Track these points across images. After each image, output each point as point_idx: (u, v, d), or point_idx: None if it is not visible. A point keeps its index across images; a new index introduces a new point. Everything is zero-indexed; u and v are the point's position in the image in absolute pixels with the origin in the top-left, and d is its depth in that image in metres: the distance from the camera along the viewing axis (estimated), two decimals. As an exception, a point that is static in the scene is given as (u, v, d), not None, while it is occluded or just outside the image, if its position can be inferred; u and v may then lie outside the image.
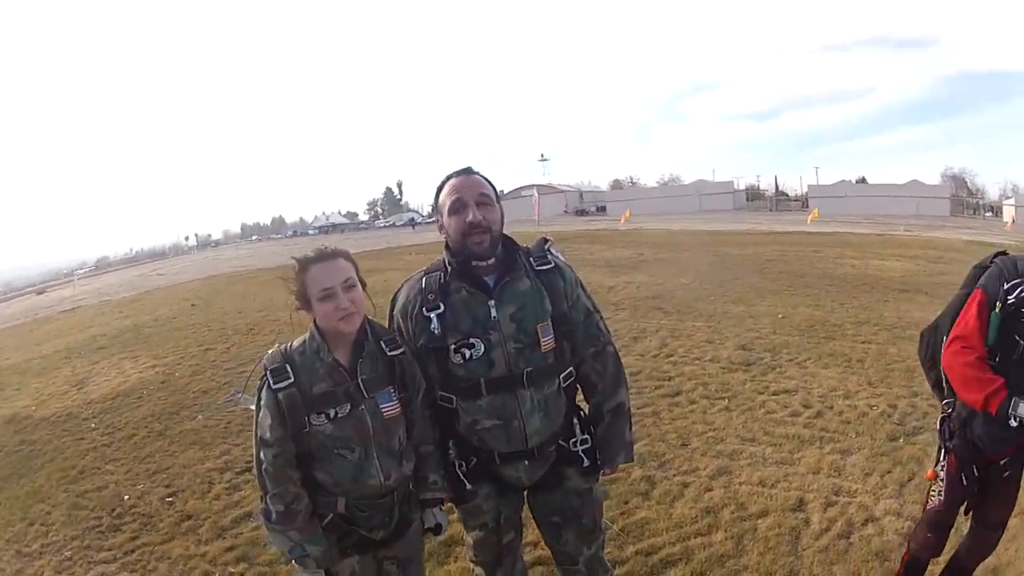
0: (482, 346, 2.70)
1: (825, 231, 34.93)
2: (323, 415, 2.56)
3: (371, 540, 2.72)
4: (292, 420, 2.52)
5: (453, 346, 2.72)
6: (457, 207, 2.74)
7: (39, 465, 7.26)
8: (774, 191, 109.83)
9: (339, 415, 2.57)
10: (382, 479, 2.63)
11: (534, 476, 2.87)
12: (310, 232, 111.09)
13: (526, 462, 2.81)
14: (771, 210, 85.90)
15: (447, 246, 2.86)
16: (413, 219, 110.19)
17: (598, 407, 2.97)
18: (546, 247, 2.94)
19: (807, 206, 77.38)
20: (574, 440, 2.91)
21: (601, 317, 3.01)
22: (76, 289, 44.92)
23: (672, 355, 8.87)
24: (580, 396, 3.03)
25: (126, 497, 6.00)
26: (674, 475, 5.28)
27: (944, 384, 3.19)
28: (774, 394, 7.07)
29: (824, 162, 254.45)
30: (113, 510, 5.78)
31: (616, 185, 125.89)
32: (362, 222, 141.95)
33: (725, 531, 4.48)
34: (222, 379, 9.74)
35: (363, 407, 2.60)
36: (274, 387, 2.53)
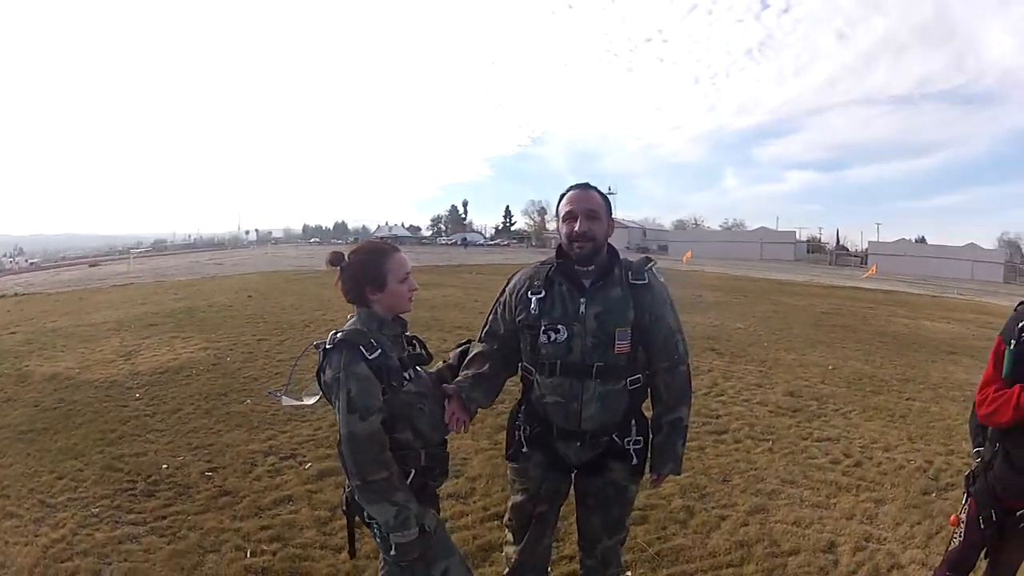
0: (566, 333, 3.05)
1: (881, 288, 34.60)
2: (403, 378, 2.83)
3: (434, 489, 3.04)
4: (393, 383, 2.77)
5: (543, 327, 3.09)
6: (568, 217, 3.11)
7: (76, 424, 7.40)
8: (835, 245, 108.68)
9: (411, 377, 2.88)
10: (443, 426, 2.99)
11: (582, 458, 3.21)
12: None
13: (578, 443, 3.17)
14: (831, 263, 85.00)
15: (558, 247, 3.23)
16: (465, 239, 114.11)
17: (659, 417, 3.27)
18: (648, 266, 3.23)
19: (866, 262, 76.46)
20: (628, 439, 3.21)
21: (683, 337, 3.29)
22: (131, 266, 45.60)
23: (722, 395, 9.04)
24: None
25: (164, 466, 6.11)
26: (713, 508, 5.43)
27: (974, 435, 3.39)
28: (817, 441, 7.21)
29: (886, 218, 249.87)
30: (149, 476, 5.89)
31: (680, 225, 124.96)
32: (424, 237, 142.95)
33: (756, 564, 4.61)
34: (274, 369, 9.96)
35: (421, 370, 2.99)
36: (371, 358, 2.72)
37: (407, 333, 3.08)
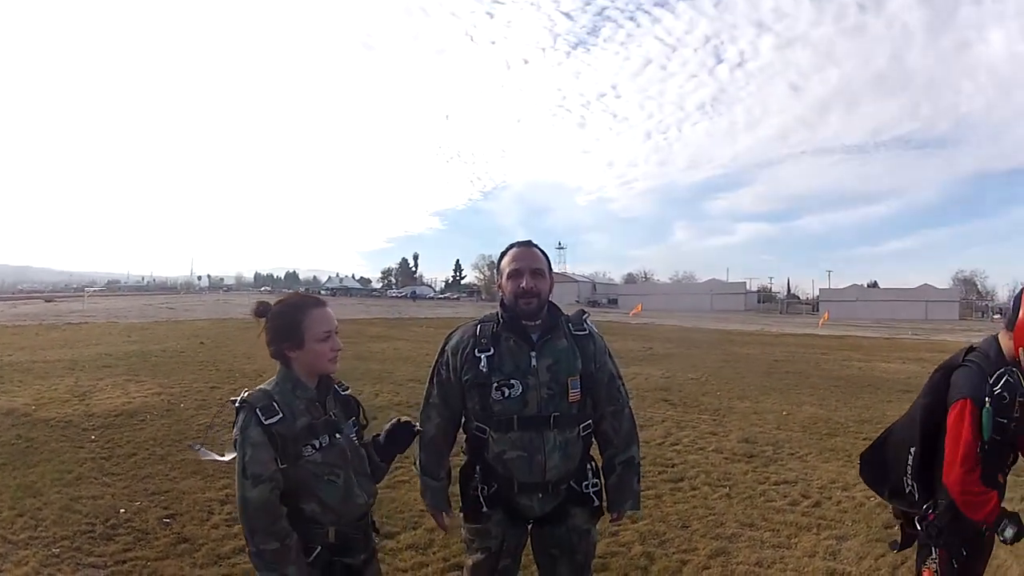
0: (520, 387, 3.05)
1: (834, 334, 35.12)
2: (309, 446, 2.69)
3: (351, 569, 2.85)
4: (288, 451, 2.64)
5: (496, 384, 3.07)
6: (514, 274, 3.16)
7: (34, 462, 7.44)
8: (786, 294, 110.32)
9: (323, 445, 2.73)
10: (365, 498, 2.86)
11: (545, 508, 3.16)
12: (322, 292, 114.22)
13: (540, 494, 3.13)
14: (782, 312, 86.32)
15: (502, 303, 3.24)
16: (414, 292, 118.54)
17: (611, 459, 3.32)
18: (584, 317, 3.33)
19: (817, 309, 77.81)
20: (585, 483, 3.22)
21: (623, 382, 3.37)
22: (86, 305, 46.02)
23: (677, 444, 9.02)
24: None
25: (122, 511, 6.05)
26: (673, 553, 5.37)
27: (912, 490, 3.35)
28: (774, 484, 7.20)
29: (838, 265, 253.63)
30: (107, 520, 5.82)
31: (629, 279, 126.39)
32: (375, 289, 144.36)
33: (721, 606, 4.55)
34: (228, 417, 9.71)
35: (339, 436, 2.81)
36: (266, 423, 2.62)
37: (346, 392, 3.02)
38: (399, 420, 3.14)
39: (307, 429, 2.71)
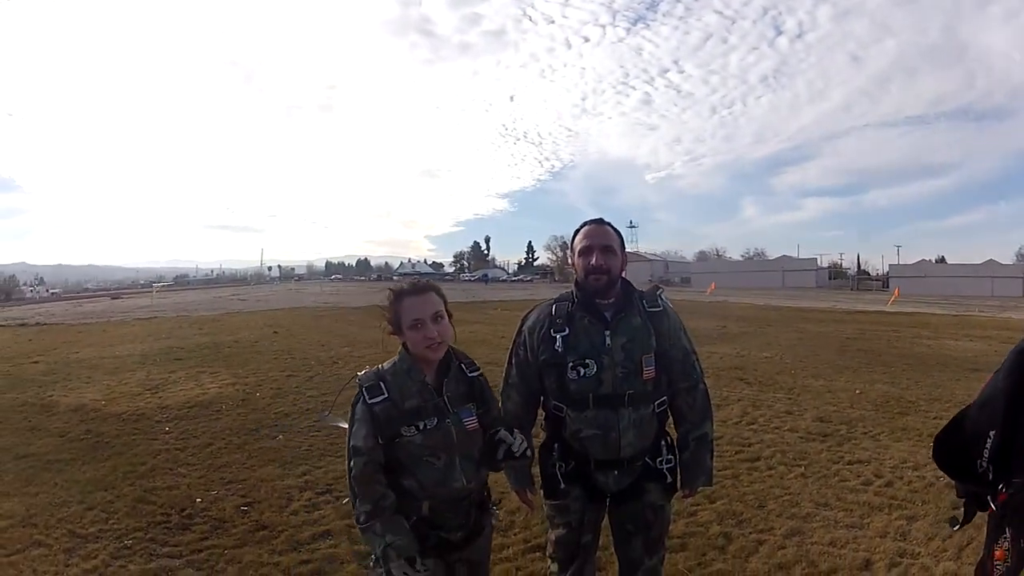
0: (595, 366, 3.12)
1: (904, 311, 34.52)
2: (413, 427, 2.81)
3: (448, 542, 2.94)
4: (386, 431, 2.79)
5: (571, 363, 3.15)
6: (585, 251, 3.22)
7: (105, 456, 7.63)
8: (856, 270, 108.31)
9: (427, 427, 2.83)
10: (464, 482, 2.92)
11: (621, 484, 3.26)
12: (394, 278, 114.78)
13: (616, 471, 3.23)
14: (853, 289, 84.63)
15: (576, 282, 3.31)
16: (486, 275, 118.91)
17: (685, 435, 3.39)
18: (658, 294, 3.37)
19: (887, 285, 76.39)
20: (660, 459, 3.30)
21: (697, 358, 3.41)
22: (154, 300, 46.76)
23: (753, 423, 9.16)
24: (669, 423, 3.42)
25: (198, 500, 6.18)
26: (750, 533, 5.52)
27: (987, 470, 3.34)
28: (848, 464, 7.30)
29: (906, 240, 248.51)
30: (183, 510, 5.95)
31: (701, 256, 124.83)
32: (447, 274, 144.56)
33: (796, 585, 4.74)
34: (305, 405, 10.06)
35: (448, 420, 2.89)
36: (370, 402, 2.79)
37: (474, 374, 3.09)
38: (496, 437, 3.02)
39: (413, 411, 2.84)
